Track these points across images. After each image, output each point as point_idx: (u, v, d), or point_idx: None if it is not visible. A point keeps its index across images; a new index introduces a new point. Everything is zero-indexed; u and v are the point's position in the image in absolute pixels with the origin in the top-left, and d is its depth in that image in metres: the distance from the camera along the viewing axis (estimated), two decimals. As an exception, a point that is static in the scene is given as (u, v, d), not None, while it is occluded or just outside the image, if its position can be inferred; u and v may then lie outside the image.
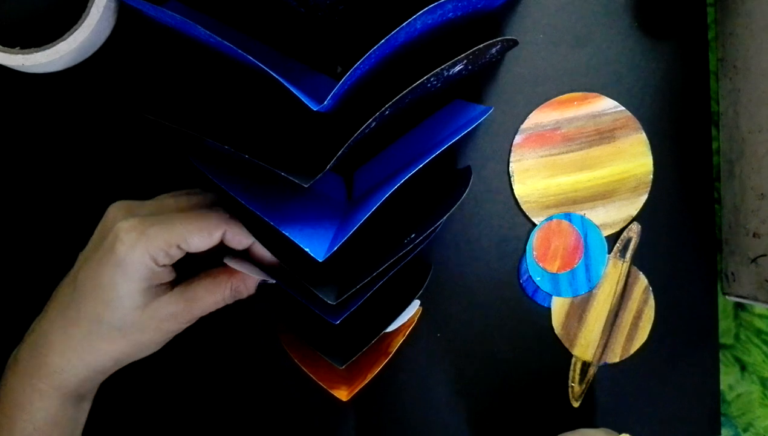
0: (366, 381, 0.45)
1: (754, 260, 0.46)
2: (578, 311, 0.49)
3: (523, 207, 0.49)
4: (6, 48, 0.42)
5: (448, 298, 0.49)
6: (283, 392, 0.49)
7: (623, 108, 0.49)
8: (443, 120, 0.47)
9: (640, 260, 0.49)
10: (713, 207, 0.49)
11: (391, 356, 0.46)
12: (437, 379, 0.50)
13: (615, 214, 0.49)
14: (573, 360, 0.49)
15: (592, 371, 0.49)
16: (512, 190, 0.49)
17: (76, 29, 0.43)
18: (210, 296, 0.41)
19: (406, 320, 0.46)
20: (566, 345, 0.49)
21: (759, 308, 0.50)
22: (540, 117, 0.49)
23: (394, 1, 0.44)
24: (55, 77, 0.46)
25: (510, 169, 0.49)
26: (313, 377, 0.46)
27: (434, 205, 0.44)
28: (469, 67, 0.42)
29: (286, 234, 0.39)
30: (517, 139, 0.49)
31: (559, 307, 0.49)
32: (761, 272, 0.45)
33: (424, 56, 0.44)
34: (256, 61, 0.36)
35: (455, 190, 0.44)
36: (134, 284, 0.38)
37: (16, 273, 0.48)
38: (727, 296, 0.49)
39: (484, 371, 0.49)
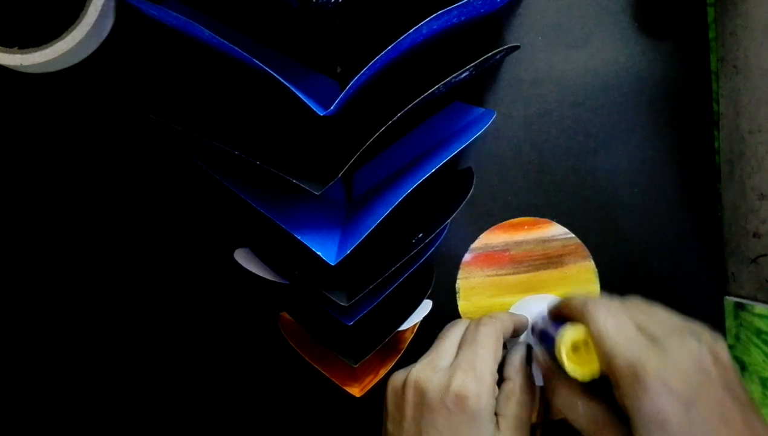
0: (378, 377, 0.46)
1: (754, 260, 0.46)
2: None
3: None
4: (4, 48, 0.42)
5: (448, 295, 0.49)
6: (296, 389, 0.49)
7: (573, 235, 0.49)
8: (443, 121, 0.47)
9: (640, 261, 0.49)
10: (714, 207, 0.49)
11: (402, 352, 0.47)
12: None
13: None
14: None
15: (539, 432, 0.48)
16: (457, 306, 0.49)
17: (74, 28, 0.42)
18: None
19: (420, 318, 0.46)
20: None
21: (759, 308, 0.50)
22: (490, 238, 0.49)
23: (395, 4, 0.44)
24: (53, 77, 0.46)
25: (457, 285, 0.49)
26: (326, 374, 0.46)
27: (439, 205, 0.44)
28: (473, 72, 0.42)
29: (300, 238, 0.39)
30: (467, 257, 0.49)
31: None
32: (761, 272, 0.46)
33: (426, 60, 0.44)
34: (260, 64, 0.35)
35: (460, 190, 0.44)
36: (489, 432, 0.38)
37: (16, 273, 0.47)
38: (727, 296, 0.49)
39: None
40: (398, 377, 0.41)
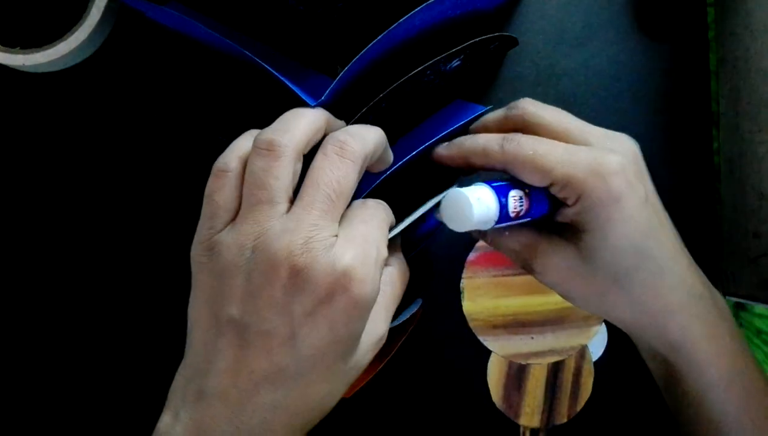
0: (368, 378, 0.46)
1: (754, 260, 0.46)
2: (516, 381, 0.49)
3: (471, 324, 0.48)
4: (6, 48, 0.42)
5: (452, 294, 0.49)
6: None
7: None
8: (444, 119, 0.47)
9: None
10: (714, 207, 0.49)
11: (393, 353, 0.47)
12: (437, 377, 0.50)
13: (564, 342, 0.48)
14: (521, 430, 0.49)
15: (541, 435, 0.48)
16: (461, 306, 0.49)
17: (76, 29, 0.43)
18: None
19: (408, 316, 0.46)
20: (510, 416, 0.49)
21: (759, 308, 0.49)
22: None
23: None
24: (55, 77, 0.46)
25: (461, 285, 0.49)
26: None
27: (431, 200, 0.44)
28: (468, 63, 0.42)
29: None
30: (471, 256, 0.49)
31: (495, 380, 0.49)
32: (761, 272, 0.45)
33: (425, 55, 0.45)
34: (257, 59, 0.36)
35: (451, 184, 0.44)
36: None
37: (16, 273, 0.48)
38: (727, 296, 0.49)
39: (481, 368, 0.50)
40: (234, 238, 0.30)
